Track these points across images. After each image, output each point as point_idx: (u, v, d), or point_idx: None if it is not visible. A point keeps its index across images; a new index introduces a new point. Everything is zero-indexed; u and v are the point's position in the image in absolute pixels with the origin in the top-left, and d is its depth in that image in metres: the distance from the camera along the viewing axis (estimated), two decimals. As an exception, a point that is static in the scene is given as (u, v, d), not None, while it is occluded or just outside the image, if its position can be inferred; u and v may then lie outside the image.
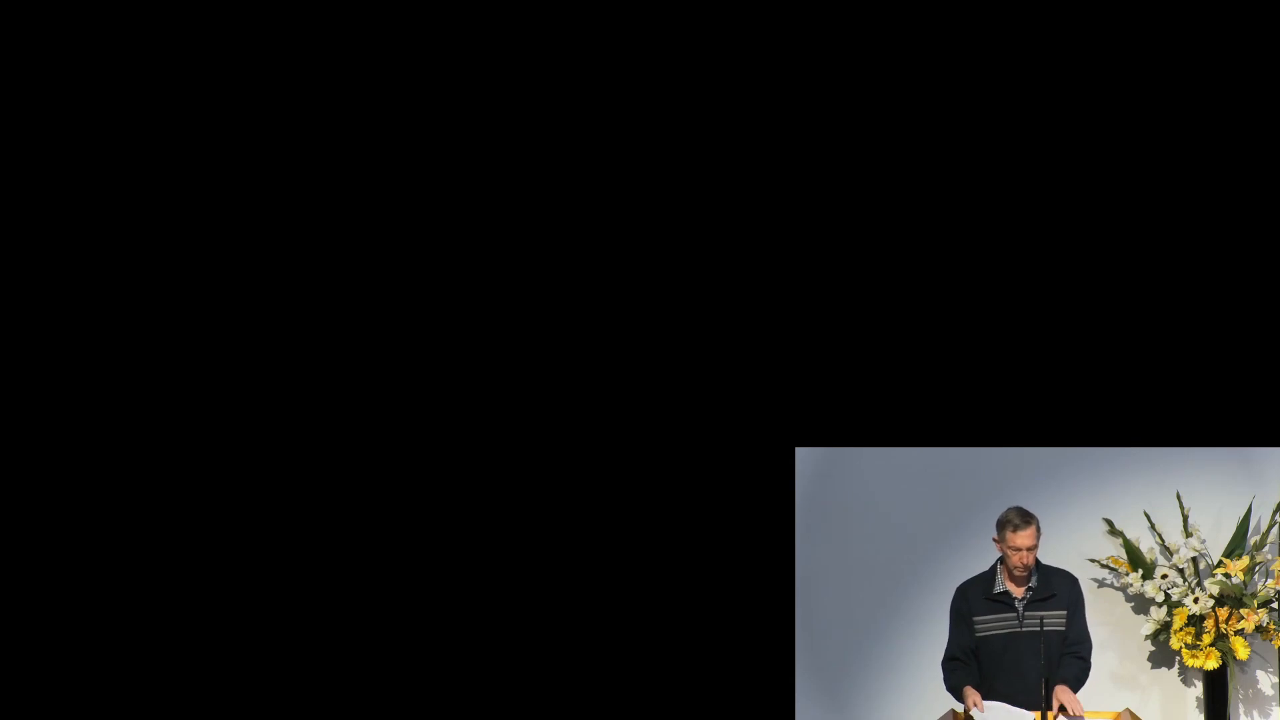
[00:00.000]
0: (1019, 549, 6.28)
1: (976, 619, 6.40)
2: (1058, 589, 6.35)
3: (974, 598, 6.43)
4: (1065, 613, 6.32)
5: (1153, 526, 6.91)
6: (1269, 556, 6.84)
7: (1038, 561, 6.38)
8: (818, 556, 6.95)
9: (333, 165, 5.83)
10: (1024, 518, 6.29)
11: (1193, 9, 5.80)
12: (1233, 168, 5.82)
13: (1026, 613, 6.32)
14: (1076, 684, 6.28)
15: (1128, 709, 6.31)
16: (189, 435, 5.77)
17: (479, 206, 5.84)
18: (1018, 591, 6.35)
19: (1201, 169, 5.82)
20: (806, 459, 6.83)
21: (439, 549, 5.78)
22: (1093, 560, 6.92)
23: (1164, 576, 6.81)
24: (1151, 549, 6.92)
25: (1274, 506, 6.86)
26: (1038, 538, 6.31)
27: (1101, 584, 6.93)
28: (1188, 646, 6.74)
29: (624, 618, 5.78)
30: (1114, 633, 6.92)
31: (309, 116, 5.83)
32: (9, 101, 5.77)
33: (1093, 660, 6.41)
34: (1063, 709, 6.16)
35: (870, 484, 7.07)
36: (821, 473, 7.01)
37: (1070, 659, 6.32)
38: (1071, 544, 6.87)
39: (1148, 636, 6.89)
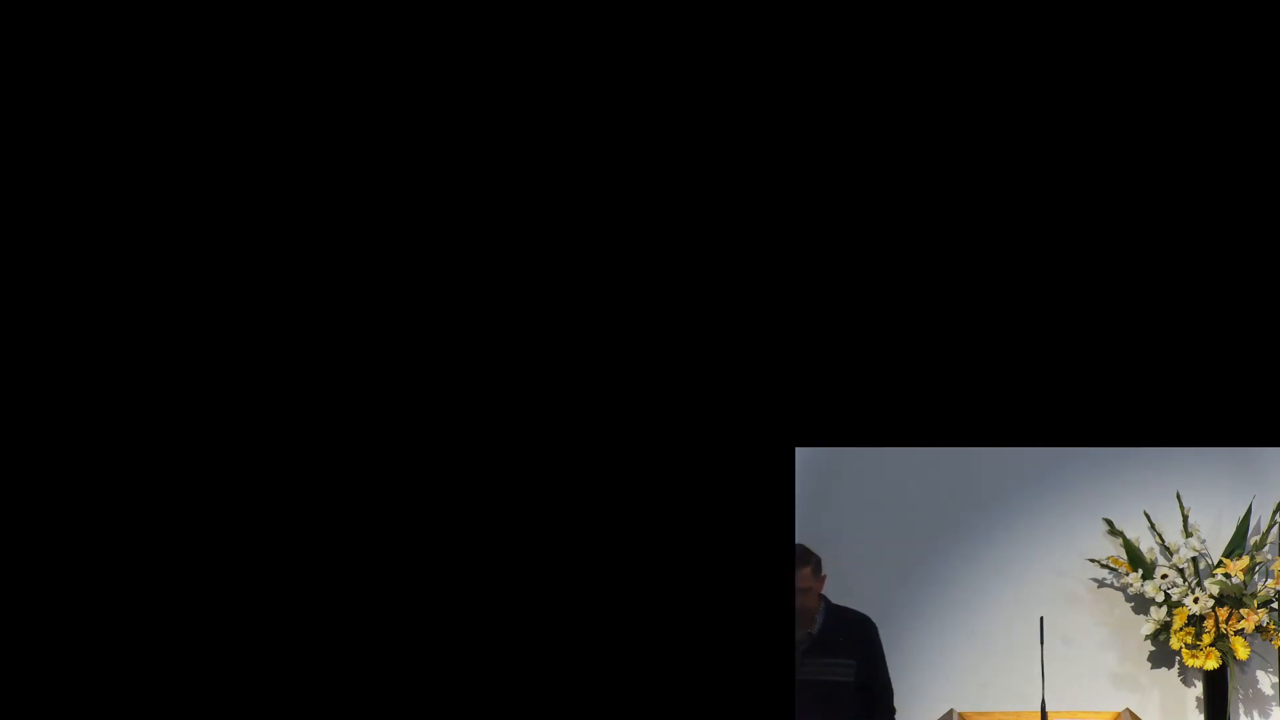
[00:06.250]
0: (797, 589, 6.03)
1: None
2: (845, 634, 6.09)
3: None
4: (854, 662, 6.12)
5: (1153, 526, 6.91)
6: (1269, 556, 6.85)
7: (826, 603, 6.19)
8: (818, 556, 6.95)
9: (332, 165, 5.83)
10: (799, 556, 6.04)
11: (1193, 9, 5.81)
12: (1232, 168, 5.82)
13: (804, 660, 6.10)
14: None
15: (1128, 709, 6.31)
16: (188, 435, 5.77)
17: (477, 207, 5.84)
18: (800, 635, 6.10)
19: (1201, 169, 5.82)
20: (806, 459, 6.83)
21: (438, 548, 5.78)
22: (1093, 560, 6.93)
23: (1164, 576, 6.81)
24: (1151, 549, 6.92)
25: (1274, 506, 6.87)
26: (814, 580, 6.10)
27: (1101, 584, 6.94)
28: (1188, 646, 6.75)
29: (624, 617, 5.78)
30: (1114, 633, 6.92)
31: (309, 116, 5.83)
32: (8, 102, 5.78)
33: (1093, 660, 6.40)
34: None
35: (870, 484, 7.07)
36: (821, 473, 7.01)
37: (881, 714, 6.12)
38: (1071, 544, 6.87)
39: (1148, 636, 6.89)
